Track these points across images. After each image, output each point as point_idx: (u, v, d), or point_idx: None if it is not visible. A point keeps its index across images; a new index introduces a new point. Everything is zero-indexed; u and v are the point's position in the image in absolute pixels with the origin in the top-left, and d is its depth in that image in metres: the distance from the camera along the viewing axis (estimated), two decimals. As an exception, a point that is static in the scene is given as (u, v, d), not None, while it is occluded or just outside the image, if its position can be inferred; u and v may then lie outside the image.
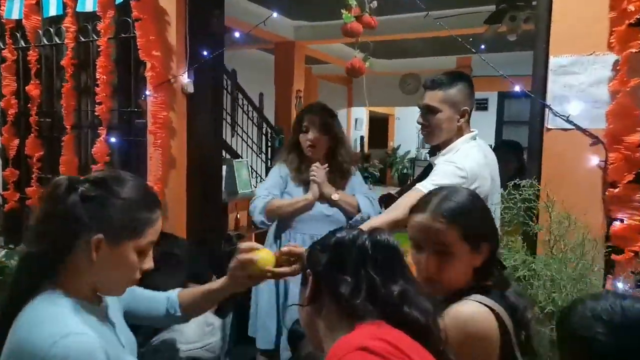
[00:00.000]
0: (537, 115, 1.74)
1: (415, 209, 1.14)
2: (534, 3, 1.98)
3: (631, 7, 1.51)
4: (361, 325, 0.85)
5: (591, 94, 1.63)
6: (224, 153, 4.18)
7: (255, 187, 3.94)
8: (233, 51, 5.69)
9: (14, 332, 0.93)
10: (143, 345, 1.37)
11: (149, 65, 2.22)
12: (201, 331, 1.48)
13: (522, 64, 3.12)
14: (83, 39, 2.47)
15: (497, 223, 1.64)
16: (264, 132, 6.38)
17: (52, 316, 0.92)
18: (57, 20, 2.53)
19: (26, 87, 2.64)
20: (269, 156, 6.19)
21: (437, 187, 1.53)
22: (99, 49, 2.35)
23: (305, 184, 2.12)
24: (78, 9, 2.38)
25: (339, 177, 2.16)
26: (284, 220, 2.14)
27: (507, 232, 1.73)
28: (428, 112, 1.72)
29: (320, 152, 2.14)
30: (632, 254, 1.53)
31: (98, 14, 2.33)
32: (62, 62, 2.48)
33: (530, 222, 1.68)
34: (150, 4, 2.21)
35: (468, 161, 1.61)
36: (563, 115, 1.67)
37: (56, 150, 2.57)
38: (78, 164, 2.57)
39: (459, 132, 1.72)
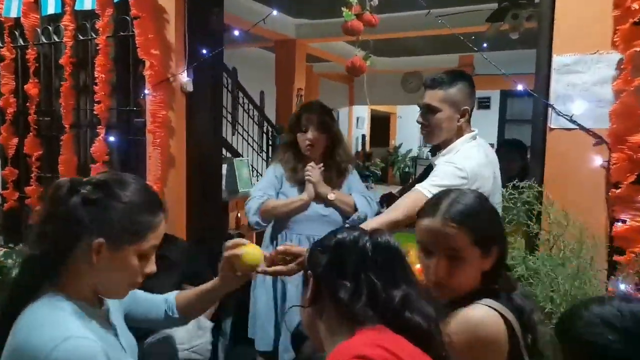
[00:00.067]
0: (540, 114, 1.73)
1: (423, 212, 1.12)
2: (536, 1, 1.96)
3: (635, 6, 1.49)
4: (361, 330, 0.83)
5: (595, 93, 1.61)
6: (224, 152, 4.18)
7: (256, 186, 3.92)
8: (233, 49, 5.67)
9: (14, 335, 0.92)
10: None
11: (147, 63, 2.20)
12: (190, 334, 1.47)
13: (524, 62, 3.10)
14: (82, 37, 2.46)
15: (499, 223, 1.63)
16: (265, 130, 6.36)
17: (53, 320, 0.91)
18: (55, 18, 2.52)
19: (25, 86, 2.63)
20: (270, 155, 6.18)
21: (437, 187, 1.52)
22: (97, 48, 2.34)
23: (301, 184, 2.10)
24: (77, 7, 2.37)
25: (336, 176, 2.15)
26: (279, 221, 2.12)
27: (507, 232, 1.72)
28: (428, 111, 1.70)
29: (318, 151, 2.12)
30: (634, 255, 1.51)
31: (97, 12, 2.32)
32: (61, 61, 2.47)
33: (530, 223, 1.66)
34: (149, 2, 2.20)
35: (468, 161, 1.60)
36: (566, 115, 1.65)
37: (55, 149, 2.57)
38: (77, 163, 2.56)
39: (459, 132, 1.70)
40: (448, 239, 1.05)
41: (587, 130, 1.62)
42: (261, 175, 5.96)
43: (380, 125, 12.20)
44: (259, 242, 2.37)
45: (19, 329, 0.92)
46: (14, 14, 2.58)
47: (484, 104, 9.49)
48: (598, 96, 1.61)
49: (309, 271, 0.94)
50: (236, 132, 6.07)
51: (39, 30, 2.60)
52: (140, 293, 1.24)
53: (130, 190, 0.99)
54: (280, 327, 2.10)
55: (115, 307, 1.12)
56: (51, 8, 2.47)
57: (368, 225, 1.51)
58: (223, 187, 3.74)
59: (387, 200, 2.18)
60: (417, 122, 1.75)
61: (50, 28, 2.56)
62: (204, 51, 2.26)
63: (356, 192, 2.16)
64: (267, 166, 6.19)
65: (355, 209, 2.08)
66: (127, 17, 2.27)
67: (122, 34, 2.33)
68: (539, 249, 1.63)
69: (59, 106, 2.52)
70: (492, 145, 1.88)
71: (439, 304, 1.05)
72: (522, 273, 1.56)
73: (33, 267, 0.98)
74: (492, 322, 1.00)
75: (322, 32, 5.98)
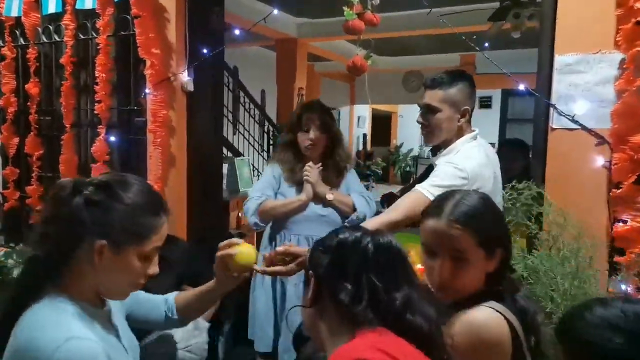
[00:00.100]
0: (542, 114, 1.72)
1: (428, 213, 1.11)
2: (538, 0, 1.96)
3: (638, 5, 1.48)
4: (362, 332, 0.83)
5: (597, 93, 1.60)
6: (225, 151, 4.18)
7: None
8: (234, 48, 5.67)
9: (15, 336, 0.92)
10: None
11: (148, 63, 2.20)
12: (187, 334, 1.47)
13: (526, 61, 3.09)
14: (82, 37, 2.46)
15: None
16: (266, 129, 6.35)
17: (55, 321, 0.91)
18: (56, 17, 2.52)
19: (25, 85, 2.63)
20: (271, 154, 6.18)
21: (437, 188, 1.51)
22: (98, 47, 2.34)
23: (299, 184, 2.09)
24: (77, 7, 2.37)
25: (334, 176, 2.14)
26: (278, 221, 2.11)
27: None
28: (428, 111, 1.69)
29: (318, 151, 2.11)
30: (634, 255, 1.50)
31: (97, 11, 2.31)
32: (62, 60, 2.47)
33: (529, 223, 1.65)
34: (149, 1, 2.19)
35: (469, 162, 1.59)
36: (568, 115, 1.64)
37: (56, 148, 2.57)
38: (78, 162, 2.56)
39: (460, 132, 1.69)
40: (453, 240, 1.04)
41: (589, 131, 1.61)
42: (262, 174, 5.95)
43: (382, 125, 12.19)
44: (259, 241, 2.37)
45: (21, 329, 0.92)
46: (14, 13, 2.58)
47: (486, 103, 9.47)
48: (600, 96, 1.60)
49: (310, 271, 0.93)
50: (237, 132, 6.06)
51: (39, 29, 2.60)
52: (142, 294, 1.23)
53: (132, 191, 0.98)
54: (279, 328, 2.10)
55: (117, 308, 1.12)
56: (52, 7, 2.46)
57: (367, 225, 1.50)
58: (224, 186, 3.74)
59: (388, 200, 2.17)
60: (417, 122, 1.75)
61: (51, 27, 2.56)
62: (205, 50, 2.25)
63: (354, 191, 2.16)
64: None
65: (354, 209, 2.08)
66: (128, 16, 2.26)
67: (122, 33, 2.33)
68: (539, 249, 1.62)
69: (59, 105, 2.52)
70: (492, 144, 1.87)
71: (442, 305, 1.04)
72: (521, 272, 1.56)
73: (35, 267, 0.98)
74: (495, 324, 1.00)
75: (324, 31, 5.97)
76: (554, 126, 1.68)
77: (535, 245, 1.62)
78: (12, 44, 2.67)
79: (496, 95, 9.34)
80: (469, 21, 2.93)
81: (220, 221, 2.96)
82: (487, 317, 1.00)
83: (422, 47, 7.33)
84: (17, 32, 2.66)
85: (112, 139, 2.38)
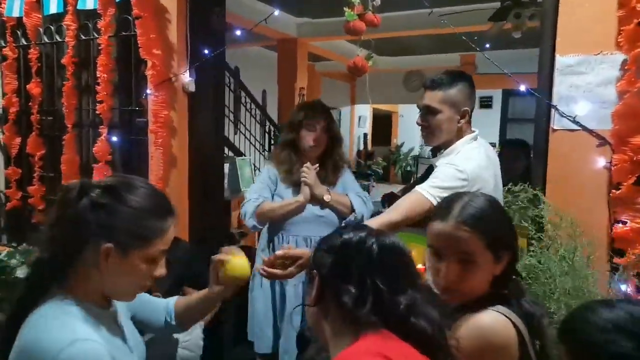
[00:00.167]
0: (543, 115, 1.72)
1: (435, 215, 1.10)
2: (539, 0, 1.95)
3: None
4: (365, 335, 0.82)
5: (598, 94, 1.60)
6: (226, 151, 4.18)
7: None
8: (235, 48, 5.67)
9: (21, 337, 0.93)
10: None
11: (149, 63, 2.20)
12: None
13: (527, 61, 3.09)
14: (84, 37, 2.46)
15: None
16: (267, 129, 6.35)
17: (61, 322, 0.92)
18: (57, 18, 2.52)
19: (27, 86, 2.64)
20: (270, 152, 6.18)
21: (437, 189, 1.51)
22: (99, 47, 2.34)
23: (295, 186, 2.08)
24: (79, 7, 2.37)
25: (332, 174, 2.14)
26: (276, 223, 2.10)
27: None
28: (428, 112, 1.68)
29: (319, 150, 2.11)
30: (634, 256, 1.50)
31: (98, 11, 2.32)
32: (63, 60, 2.47)
33: (526, 224, 1.65)
34: (150, 2, 2.19)
35: (469, 163, 1.58)
36: (569, 116, 1.64)
37: (58, 148, 2.57)
38: (79, 162, 2.56)
39: (460, 133, 1.69)
40: (460, 242, 1.03)
41: (590, 132, 1.61)
42: (258, 176, 5.95)
43: (382, 124, 12.18)
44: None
45: (27, 331, 0.93)
46: (16, 13, 2.58)
47: (486, 103, 9.46)
48: (602, 97, 1.60)
49: (314, 270, 0.92)
50: (238, 131, 6.06)
51: (41, 29, 2.60)
52: (146, 297, 1.24)
53: (138, 194, 0.99)
54: (279, 329, 2.09)
55: (122, 309, 1.12)
56: (53, 8, 2.47)
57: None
58: (225, 186, 3.75)
59: (388, 200, 2.17)
60: (417, 123, 1.74)
61: (52, 28, 2.56)
62: (206, 51, 2.25)
63: (351, 191, 2.16)
64: (269, 165, 6.18)
65: (352, 210, 2.08)
66: (129, 17, 2.26)
67: (124, 33, 2.33)
68: (537, 249, 1.62)
69: (61, 106, 2.52)
70: (493, 144, 1.87)
71: (448, 307, 1.04)
72: (520, 272, 1.56)
73: (42, 269, 0.98)
74: (502, 327, 0.99)
75: (324, 31, 5.96)
76: (555, 127, 1.68)
77: (534, 246, 1.62)
78: (14, 45, 2.67)
79: (497, 95, 9.32)
80: (470, 21, 2.93)
81: (221, 221, 2.96)
82: (494, 320, 1.00)
83: (423, 47, 7.32)
84: (19, 33, 2.66)
85: (114, 139, 2.39)
